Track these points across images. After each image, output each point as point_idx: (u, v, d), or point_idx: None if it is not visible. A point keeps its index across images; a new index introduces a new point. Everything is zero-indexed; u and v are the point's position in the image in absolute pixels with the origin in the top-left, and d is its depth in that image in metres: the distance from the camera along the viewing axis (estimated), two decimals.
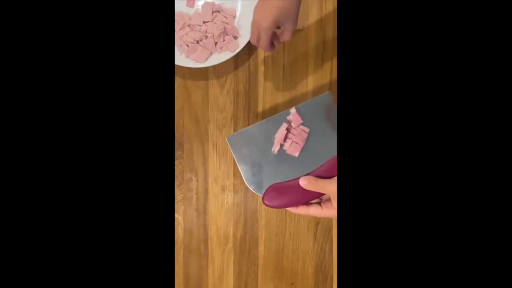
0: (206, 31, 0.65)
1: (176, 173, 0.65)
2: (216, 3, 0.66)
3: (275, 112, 0.65)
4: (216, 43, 0.64)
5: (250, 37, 0.53)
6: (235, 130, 0.65)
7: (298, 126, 0.55)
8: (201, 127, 0.65)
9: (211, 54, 0.64)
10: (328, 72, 0.65)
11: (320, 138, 0.54)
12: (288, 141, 0.54)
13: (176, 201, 0.65)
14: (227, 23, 0.65)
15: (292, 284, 0.64)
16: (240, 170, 0.54)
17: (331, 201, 0.48)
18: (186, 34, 0.64)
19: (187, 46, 0.64)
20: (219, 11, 0.65)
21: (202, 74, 0.66)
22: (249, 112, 0.65)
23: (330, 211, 0.48)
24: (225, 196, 0.65)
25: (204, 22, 0.65)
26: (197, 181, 0.65)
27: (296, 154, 0.54)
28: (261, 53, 0.66)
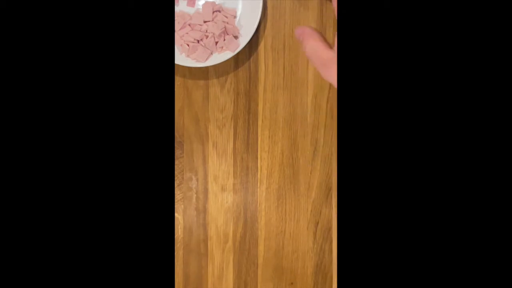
0: (206, 31, 0.65)
1: (176, 172, 0.65)
2: (216, 3, 0.66)
3: (275, 111, 0.65)
4: (216, 42, 0.64)
5: None
6: (235, 130, 0.65)
7: None
8: (201, 127, 0.65)
9: (212, 53, 0.64)
10: None
11: None
12: None
13: (176, 200, 0.65)
14: (227, 23, 0.65)
15: (292, 283, 0.64)
16: None
17: None
18: (187, 33, 0.64)
19: (188, 45, 0.64)
20: (219, 11, 0.65)
21: (202, 73, 0.66)
22: (249, 112, 0.65)
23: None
24: (225, 196, 0.65)
25: (204, 22, 0.65)
26: (197, 180, 0.65)
27: None
28: (262, 53, 0.66)
